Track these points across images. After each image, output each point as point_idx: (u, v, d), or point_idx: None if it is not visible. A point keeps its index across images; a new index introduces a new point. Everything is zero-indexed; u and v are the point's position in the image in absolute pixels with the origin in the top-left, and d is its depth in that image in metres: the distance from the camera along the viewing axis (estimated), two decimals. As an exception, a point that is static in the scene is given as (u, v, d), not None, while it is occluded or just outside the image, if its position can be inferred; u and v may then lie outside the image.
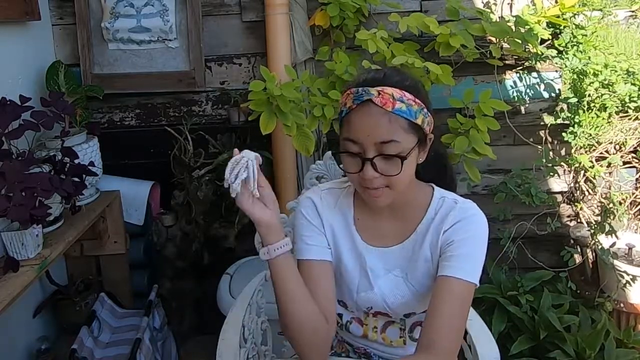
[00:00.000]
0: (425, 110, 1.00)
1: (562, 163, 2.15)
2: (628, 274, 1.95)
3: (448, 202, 1.07)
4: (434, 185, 1.12)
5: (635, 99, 1.95)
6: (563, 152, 2.23)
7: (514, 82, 2.19)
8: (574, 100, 2.05)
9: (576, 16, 2.08)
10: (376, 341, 1.17)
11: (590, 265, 2.17)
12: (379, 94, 0.96)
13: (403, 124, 0.96)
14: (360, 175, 0.98)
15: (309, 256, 1.09)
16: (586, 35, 2.06)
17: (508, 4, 2.15)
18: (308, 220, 1.12)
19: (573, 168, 2.17)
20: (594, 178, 2.13)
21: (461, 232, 1.02)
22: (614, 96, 1.96)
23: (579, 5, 2.04)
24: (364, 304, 1.13)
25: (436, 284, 1.00)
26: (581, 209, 2.20)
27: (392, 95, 0.96)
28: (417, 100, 0.98)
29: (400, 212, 1.09)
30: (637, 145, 2.09)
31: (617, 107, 1.99)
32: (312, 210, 1.13)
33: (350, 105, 0.99)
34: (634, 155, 2.12)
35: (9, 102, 1.52)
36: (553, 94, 2.19)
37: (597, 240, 2.05)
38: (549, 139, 2.20)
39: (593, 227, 2.08)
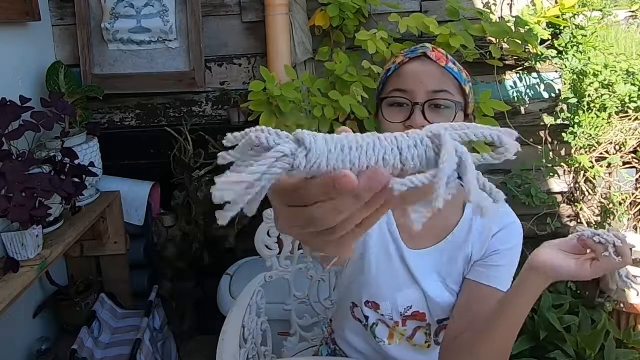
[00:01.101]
0: (471, 85, 1.00)
1: (562, 163, 2.15)
2: (628, 274, 1.94)
3: None
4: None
5: (635, 99, 1.95)
6: (563, 152, 2.23)
7: (514, 83, 2.19)
8: (573, 100, 2.05)
9: (576, 16, 2.08)
10: (399, 345, 1.10)
11: (590, 266, 2.17)
12: (433, 49, 0.97)
13: (454, 82, 0.96)
14: (405, 124, 0.92)
15: None
16: (586, 36, 2.06)
17: (508, 4, 2.15)
18: None
19: (573, 168, 2.17)
20: (594, 178, 2.13)
21: (507, 241, 1.01)
22: (614, 96, 1.96)
23: (579, 6, 2.04)
24: (405, 303, 1.05)
25: (478, 289, 0.97)
26: (581, 209, 2.20)
27: (445, 54, 0.97)
28: (465, 71, 0.99)
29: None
30: (637, 146, 2.09)
31: (616, 107, 1.99)
32: None
33: (401, 60, 0.98)
34: (633, 155, 2.12)
35: (8, 103, 1.52)
36: (553, 94, 2.19)
37: (597, 240, 2.05)
38: (549, 139, 2.20)
39: (593, 227, 2.08)
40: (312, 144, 0.38)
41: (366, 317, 1.09)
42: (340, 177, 0.37)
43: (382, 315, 1.07)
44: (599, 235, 0.81)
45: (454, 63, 0.98)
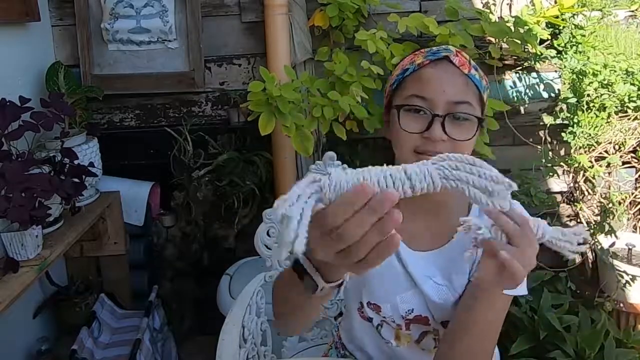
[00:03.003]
0: (488, 91, 0.95)
1: (562, 163, 2.15)
2: (628, 274, 1.95)
3: None
4: None
5: (634, 98, 1.95)
6: (562, 152, 2.23)
7: (514, 83, 2.19)
8: (573, 100, 2.05)
9: (575, 16, 2.08)
10: (408, 348, 1.07)
11: (590, 265, 2.17)
12: (457, 54, 0.91)
13: (475, 92, 0.91)
14: (423, 135, 0.87)
15: None
16: (585, 36, 2.07)
17: (507, 4, 2.15)
18: None
19: (572, 168, 2.17)
20: (594, 178, 2.13)
21: None
22: (613, 96, 1.96)
23: (578, 6, 2.04)
24: (405, 307, 1.01)
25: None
26: (581, 209, 2.20)
27: (469, 60, 0.91)
28: (485, 77, 0.94)
29: (435, 210, 0.98)
30: (637, 145, 2.09)
31: (616, 107, 1.99)
32: None
33: (421, 62, 0.91)
34: (633, 155, 2.12)
35: (8, 103, 1.52)
36: (552, 94, 2.19)
37: (596, 240, 2.05)
38: (549, 139, 2.20)
39: (592, 227, 2.08)
40: (332, 171, 0.52)
41: (370, 319, 1.07)
42: (358, 187, 0.51)
43: (384, 317, 1.05)
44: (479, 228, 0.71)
45: (476, 69, 0.92)
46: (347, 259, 0.54)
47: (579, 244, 0.70)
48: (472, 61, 0.92)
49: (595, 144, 2.07)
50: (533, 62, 2.08)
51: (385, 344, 1.08)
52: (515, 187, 0.56)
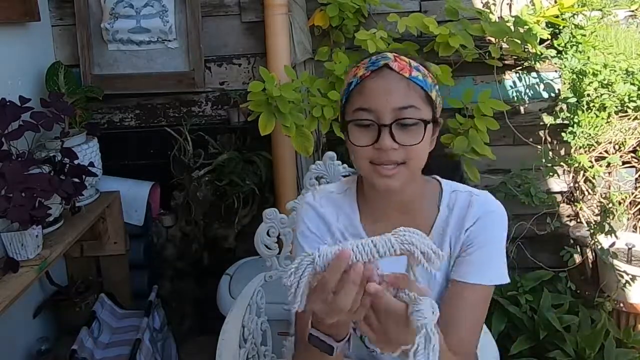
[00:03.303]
0: (437, 87, 0.94)
1: (562, 163, 2.15)
2: (628, 274, 1.95)
3: (463, 196, 1.00)
4: (438, 178, 1.04)
5: (634, 98, 1.95)
6: (562, 152, 2.23)
7: (514, 82, 2.19)
8: (573, 100, 2.05)
9: (575, 16, 2.08)
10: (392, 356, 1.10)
11: (590, 265, 2.17)
12: (396, 59, 0.90)
13: (420, 93, 0.90)
14: (374, 147, 0.89)
15: None
16: (585, 35, 2.07)
17: (507, 4, 2.15)
18: (310, 230, 1.01)
19: (572, 168, 2.17)
20: (594, 178, 2.13)
21: (483, 233, 0.97)
22: (613, 96, 1.96)
23: (578, 5, 2.04)
24: None
25: (457, 289, 0.94)
26: (581, 208, 2.20)
27: (409, 62, 0.91)
28: (430, 74, 0.93)
29: (409, 209, 0.99)
30: (637, 145, 2.09)
31: (616, 107, 1.99)
32: (314, 218, 1.02)
33: (362, 74, 0.91)
34: (633, 155, 2.12)
35: (8, 103, 1.52)
36: (552, 94, 2.19)
37: (596, 240, 2.05)
38: (549, 139, 2.20)
39: (593, 227, 2.08)
40: (320, 249, 0.70)
41: (354, 329, 1.04)
42: (339, 253, 0.69)
43: None
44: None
45: (417, 69, 0.91)
46: (341, 313, 0.70)
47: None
48: (413, 62, 0.92)
49: (595, 143, 2.07)
50: (533, 62, 2.08)
51: (369, 352, 1.08)
52: (444, 257, 0.72)
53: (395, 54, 0.92)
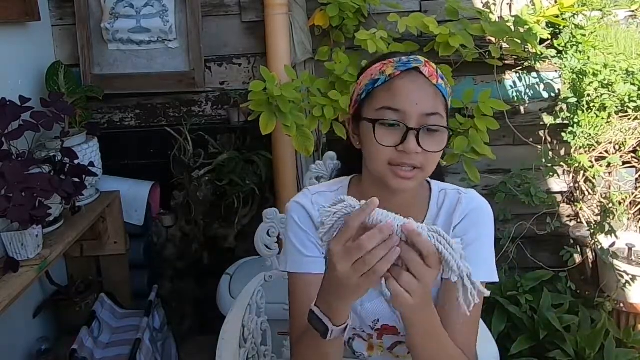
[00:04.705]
0: (451, 97, 0.97)
1: (562, 163, 2.15)
2: (628, 274, 1.95)
3: (451, 195, 1.01)
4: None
5: (634, 98, 1.95)
6: (562, 152, 2.23)
7: (514, 82, 2.19)
8: (573, 100, 2.05)
9: (575, 16, 2.08)
10: (381, 357, 1.08)
11: (590, 265, 2.17)
12: (426, 64, 0.91)
13: (443, 101, 0.92)
14: (398, 148, 0.88)
15: (307, 269, 0.98)
16: (585, 35, 2.07)
17: (507, 4, 2.15)
18: (302, 228, 1.01)
19: (573, 168, 2.17)
20: (594, 178, 2.13)
21: (471, 230, 0.98)
22: (614, 96, 1.96)
23: (578, 5, 2.04)
24: (370, 317, 1.03)
25: (450, 288, 0.92)
26: (581, 209, 2.20)
27: (436, 69, 0.92)
28: (448, 84, 0.95)
29: (402, 209, 0.97)
30: (637, 145, 2.09)
31: (616, 107, 1.99)
32: (304, 216, 1.01)
33: (391, 72, 0.91)
34: (633, 155, 2.12)
35: (8, 103, 1.52)
36: (552, 94, 2.19)
37: (596, 240, 2.05)
38: (549, 139, 2.20)
39: (593, 227, 2.08)
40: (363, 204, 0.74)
41: None
42: (386, 225, 0.72)
43: (353, 328, 1.05)
44: None
45: (442, 78, 0.93)
46: (361, 269, 0.71)
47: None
48: (438, 70, 0.93)
49: (595, 144, 2.07)
50: (533, 62, 2.08)
51: (357, 358, 1.08)
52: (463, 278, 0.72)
53: (425, 59, 0.93)
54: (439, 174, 1.08)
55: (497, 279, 0.97)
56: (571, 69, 2.05)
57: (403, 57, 0.93)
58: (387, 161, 0.90)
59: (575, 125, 2.06)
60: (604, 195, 2.17)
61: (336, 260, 0.72)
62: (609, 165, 2.11)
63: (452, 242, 0.72)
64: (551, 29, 2.09)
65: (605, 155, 2.10)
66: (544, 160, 2.14)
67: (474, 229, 0.98)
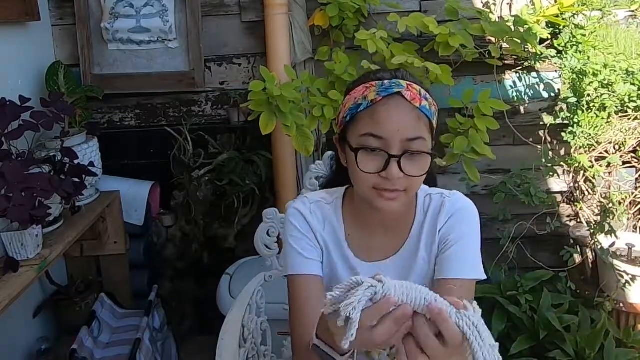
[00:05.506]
0: (437, 114, 0.96)
1: (562, 163, 2.15)
2: (628, 274, 1.95)
3: (436, 199, 1.03)
4: None
5: (634, 98, 1.95)
6: (562, 152, 2.23)
7: (514, 82, 2.19)
8: (573, 100, 2.05)
9: (575, 16, 2.08)
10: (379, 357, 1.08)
11: (590, 265, 2.17)
12: (408, 88, 0.91)
13: (427, 123, 0.92)
14: (381, 174, 0.90)
15: (308, 271, 1.01)
16: (585, 35, 2.06)
17: (507, 4, 2.15)
18: (302, 233, 1.03)
19: (572, 168, 2.17)
20: (594, 178, 2.13)
21: (456, 229, 0.99)
22: (614, 96, 1.96)
23: (578, 5, 2.04)
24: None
25: (442, 288, 0.95)
26: (581, 208, 2.20)
27: (419, 91, 0.92)
28: (434, 102, 0.95)
29: (392, 220, 1.03)
30: (637, 145, 2.09)
31: (616, 107, 1.99)
32: (303, 223, 1.04)
33: (373, 98, 0.91)
34: (633, 155, 2.12)
35: (8, 103, 1.52)
36: (552, 94, 2.19)
37: (596, 240, 2.05)
38: (549, 139, 2.20)
39: (593, 227, 2.08)
40: (386, 282, 0.66)
41: None
42: (386, 300, 0.66)
43: None
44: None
45: (426, 98, 0.93)
46: (374, 345, 0.68)
47: None
48: (422, 90, 0.93)
49: (595, 144, 2.07)
50: (533, 62, 2.08)
51: None
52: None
53: (407, 82, 0.93)
54: (432, 179, 1.10)
55: (483, 276, 0.98)
56: (571, 69, 2.05)
57: (385, 81, 0.93)
58: (371, 186, 0.92)
59: (575, 125, 2.06)
60: (603, 195, 2.17)
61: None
62: (609, 165, 2.11)
63: (483, 330, 0.66)
64: (551, 28, 2.09)
65: (605, 155, 2.10)
66: (544, 160, 2.14)
67: (459, 228, 1.00)
